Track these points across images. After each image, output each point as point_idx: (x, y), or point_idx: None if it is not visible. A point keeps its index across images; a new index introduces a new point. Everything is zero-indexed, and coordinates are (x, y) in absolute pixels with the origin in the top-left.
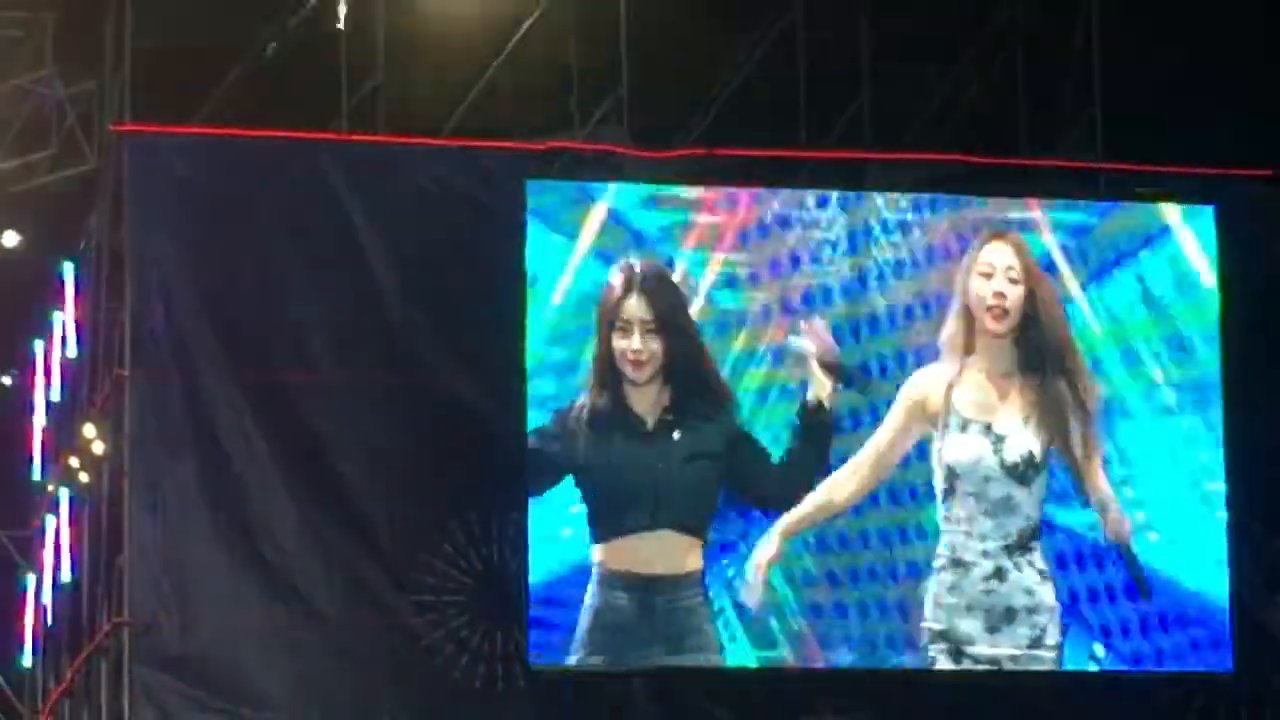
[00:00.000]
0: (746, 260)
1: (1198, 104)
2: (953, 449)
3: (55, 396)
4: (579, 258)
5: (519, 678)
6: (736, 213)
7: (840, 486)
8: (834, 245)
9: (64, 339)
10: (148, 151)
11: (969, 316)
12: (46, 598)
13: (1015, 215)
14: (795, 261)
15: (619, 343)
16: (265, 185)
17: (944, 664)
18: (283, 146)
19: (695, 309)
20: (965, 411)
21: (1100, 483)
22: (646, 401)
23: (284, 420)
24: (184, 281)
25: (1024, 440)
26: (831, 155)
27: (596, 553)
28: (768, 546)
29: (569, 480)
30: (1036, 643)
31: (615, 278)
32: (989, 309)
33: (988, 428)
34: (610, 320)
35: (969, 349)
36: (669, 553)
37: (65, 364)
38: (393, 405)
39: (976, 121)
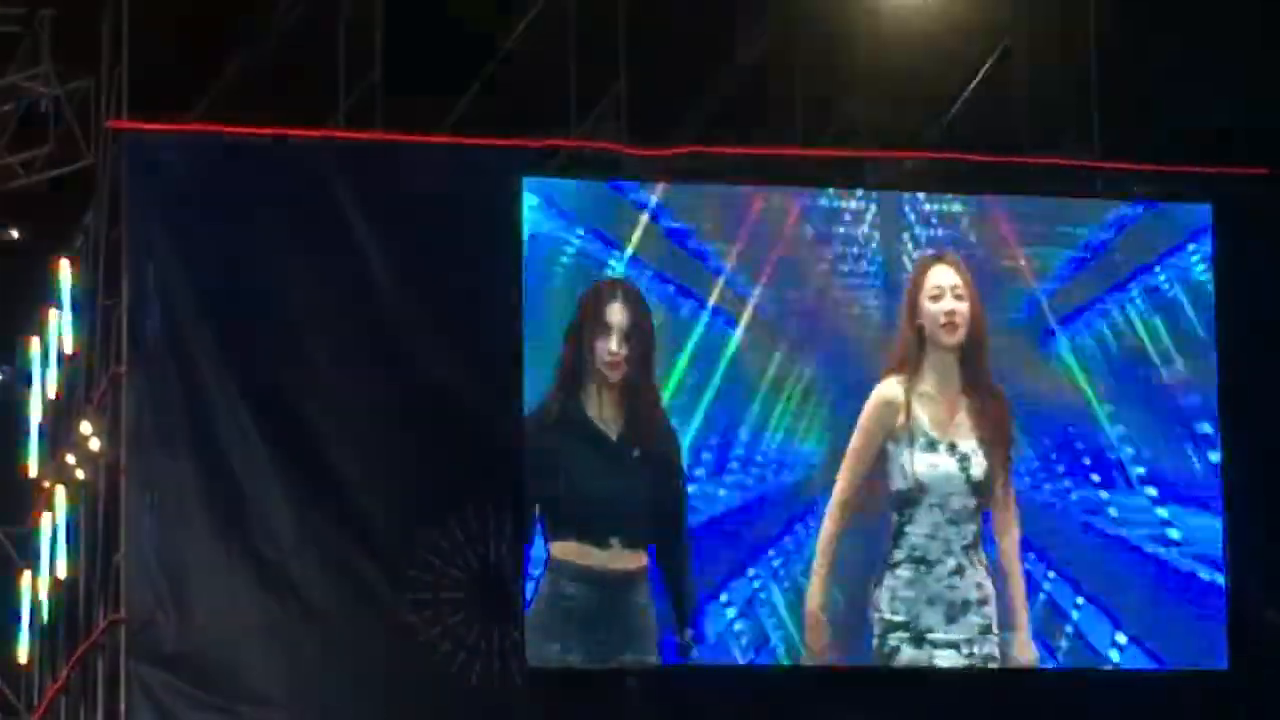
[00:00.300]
0: (787, 274)
1: (1195, 97)
2: (921, 464)
3: (52, 393)
4: (622, 265)
5: (516, 675)
6: (779, 224)
7: (845, 513)
8: (869, 259)
9: (61, 336)
10: (144, 149)
11: (920, 335)
12: (43, 594)
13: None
14: (833, 276)
15: (599, 343)
16: (262, 182)
17: (907, 651)
18: (280, 144)
19: (743, 321)
20: (930, 429)
21: (1010, 504)
22: (609, 413)
23: (281, 418)
24: (181, 278)
25: (982, 458)
26: (829, 154)
27: (552, 548)
28: (816, 593)
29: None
30: (985, 630)
31: (599, 286)
32: (943, 325)
33: (953, 446)
34: (591, 323)
35: (918, 367)
36: (621, 556)
37: (63, 360)
38: (390, 403)
39: (974, 119)
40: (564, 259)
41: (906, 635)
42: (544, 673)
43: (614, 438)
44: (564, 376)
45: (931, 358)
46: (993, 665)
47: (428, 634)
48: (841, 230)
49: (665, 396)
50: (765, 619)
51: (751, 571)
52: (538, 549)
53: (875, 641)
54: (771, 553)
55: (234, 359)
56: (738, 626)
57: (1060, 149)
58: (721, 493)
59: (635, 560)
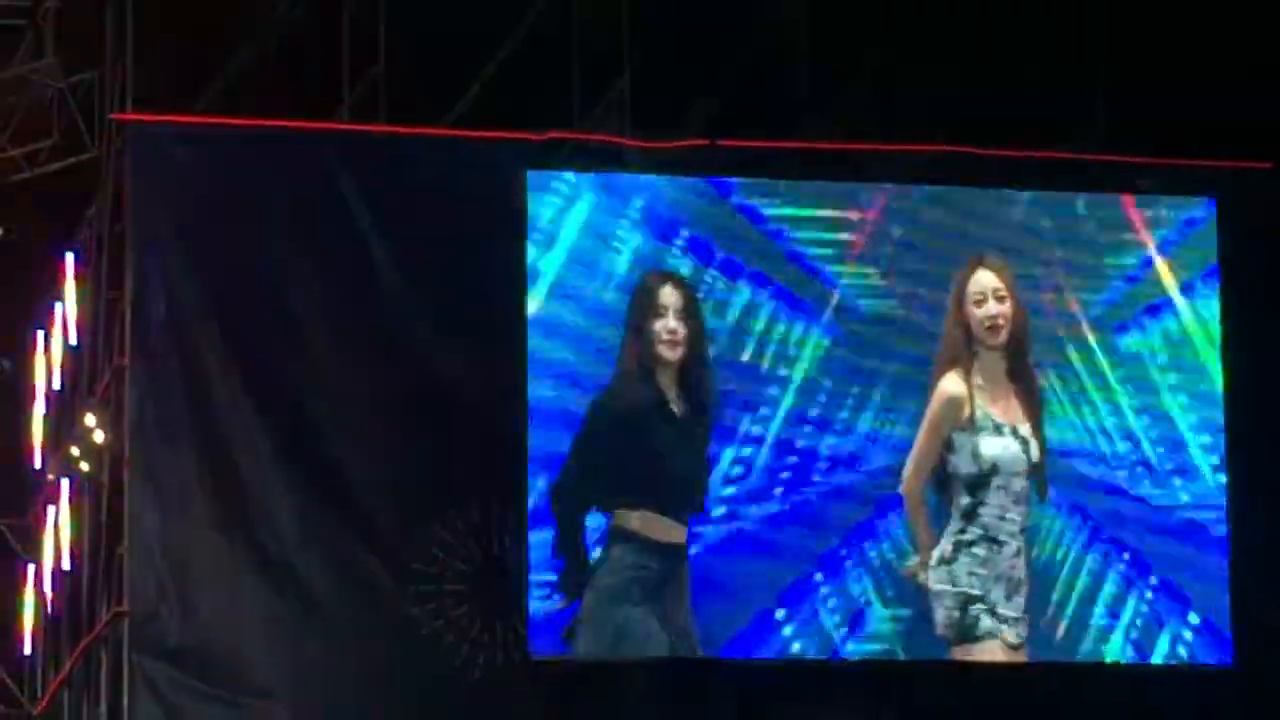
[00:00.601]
0: (876, 269)
1: (1200, 89)
2: (993, 447)
3: (56, 385)
4: (716, 264)
5: (519, 667)
6: (869, 221)
7: (923, 501)
8: (951, 258)
9: (65, 328)
10: (148, 141)
11: (968, 335)
12: (47, 586)
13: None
14: (920, 272)
15: (656, 324)
16: (266, 175)
17: (985, 621)
18: (284, 136)
19: (829, 313)
20: (995, 416)
21: None
22: (673, 393)
23: (283, 410)
24: (184, 271)
25: (1036, 443)
26: (833, 147)
27: (624, 520)
28: (933, 571)
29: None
30: (1025, 612)
31: (648, 276)
32: (988, 328)
33: (1014, 430)
34: (647, 307)
35: (969, 363)
36: (675, 528)
37: (66, 353)
38: (393, 396)
39: (977, 111)
40: (670, 258)
41: (984, 607)
42: (546, 666)
43: (679, 415)
44: (630, 360)
45: (980, 356)
46: (1025, 650)
47: (431, 627)
48: (926, 227)
49: (761, 385)
50: (857, 596)
51: (844, 552)
52: (597, 521)
53: (957, 614)
54: (862, 535)
55: (237, 351)
56: (831, 603)
57: (1061, 142)
58: (816, 478)
59: (682, 527)
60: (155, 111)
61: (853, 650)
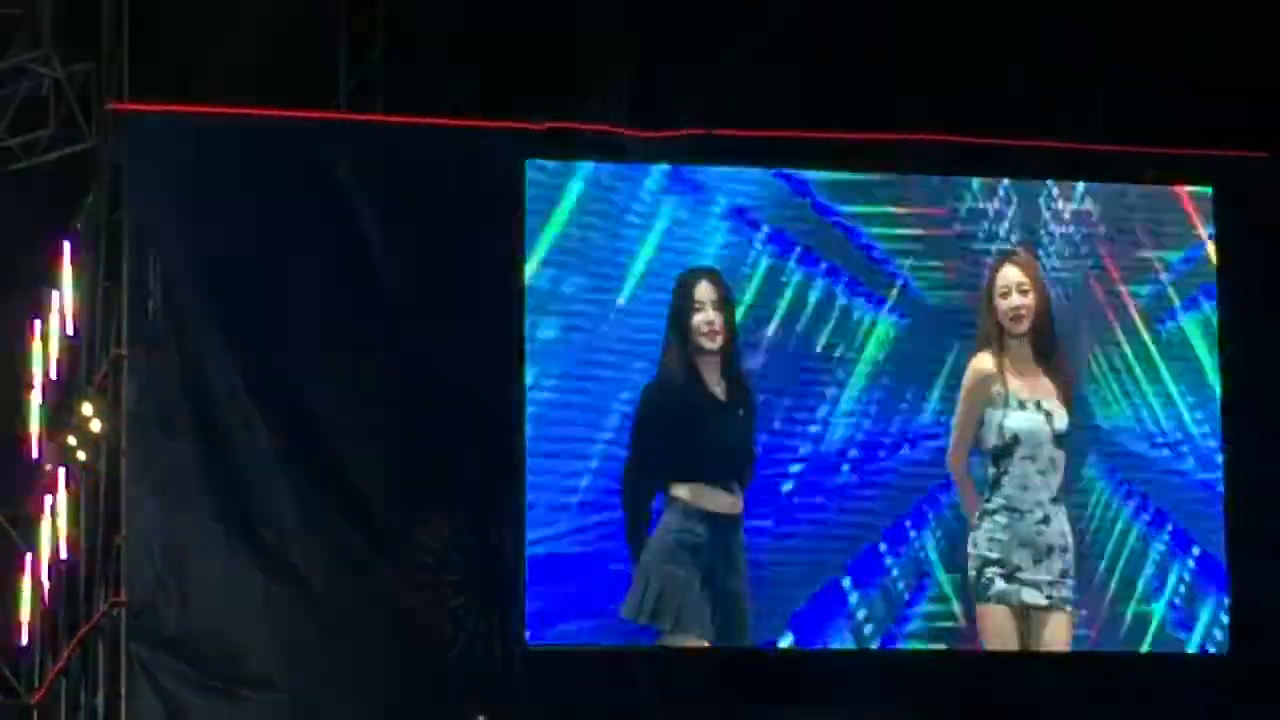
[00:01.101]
0: (945, 263)
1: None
2: (1014, 421)
3: (53, 375)
4: (796, 255)
5: (515, 657)
6: (933, 216)
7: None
8: (1007, 240)
9: (62, 317)
10: (146, 131)
11: (998, 324)
12: (44, 576)
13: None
14: (980, 269)
15: (696, 318)
16: (264, 164)
17: (999, 584)
18: (282, 126)
19: (896, 302)
20: (1019, 394)
21: None
22: (713, 378)
23: (281, 399)
24: (182, 261)
25: (1063, 415)
26: (834, 136)
27: (679, 492)
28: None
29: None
30: (1064, 574)
31: (684, 274)
32: (1012, 319)
33: (1038, 404)
34: (686, 303)
35: (1002, 346)
36: (736, 500)
37: (63, 342)
38: (390, 385)
39: (973, 102)
40: (752, 251)
41: (1000, 571)
42: (543, 655)
43: (723, 399)
44: (674, 353)
45: (1009, 341)
46: (1069, 608)
47: (428, 616)
48: (985, 226)
49: (833, 369)
50: (919, 566)
51: (908, 523)
52: (658, 501)
53: (973, 575)
54: (926, 508)
55: (235, 341)
56: (895, 573)
57: (1061, 131)
58: (881, 454)
59: (737, 499)
60: (152, 101)
61: (918, 611)
